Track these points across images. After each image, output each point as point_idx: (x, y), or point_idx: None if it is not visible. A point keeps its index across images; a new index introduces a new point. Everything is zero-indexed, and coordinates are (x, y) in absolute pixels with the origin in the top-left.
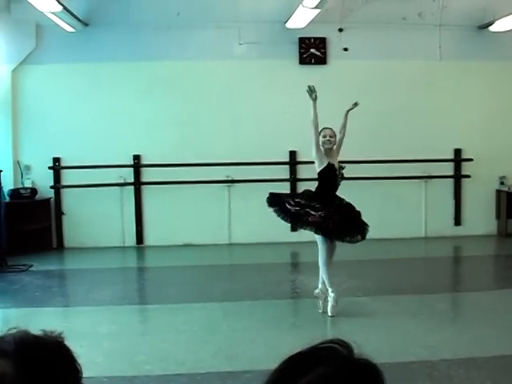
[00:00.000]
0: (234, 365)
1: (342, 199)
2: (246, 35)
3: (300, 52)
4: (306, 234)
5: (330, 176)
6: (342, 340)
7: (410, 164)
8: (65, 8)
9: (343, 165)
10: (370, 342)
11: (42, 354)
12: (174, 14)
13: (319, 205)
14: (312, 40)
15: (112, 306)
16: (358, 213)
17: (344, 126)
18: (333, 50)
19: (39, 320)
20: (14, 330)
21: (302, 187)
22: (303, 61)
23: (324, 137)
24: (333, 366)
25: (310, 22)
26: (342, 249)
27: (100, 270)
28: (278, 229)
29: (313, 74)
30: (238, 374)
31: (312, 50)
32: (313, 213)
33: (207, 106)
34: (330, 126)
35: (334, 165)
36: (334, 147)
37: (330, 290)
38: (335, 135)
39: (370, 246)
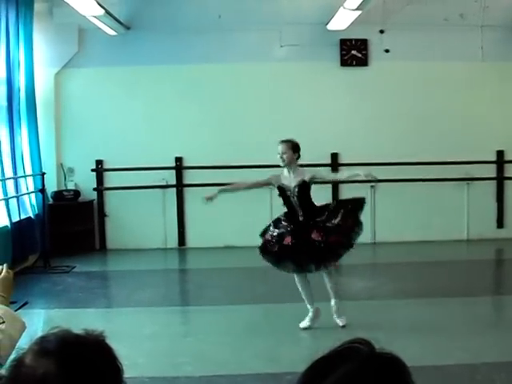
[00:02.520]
0: (274, 367)
1: (326, 210)
2: (287, 37)
3: (341, 54)
4: None
5: (284, 197)
6: (361, 338)
7: (452, 166)
8: (107, 12)
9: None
10: (412, 344)
11: (84, 353)
12: (216, 17)
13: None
14: (353, 41)
15: (154, 308)
16: (338, 227)
17: (328, 180)
18: (374, 51)
19: (82, 321)
20: (56, 330)
21: (342, 189)
22: (344, 63)
23: (278, 153)
24: (357, 363)
25: (351, 24)
26: (383, 252)
27: (142, 271)
28: None
29: (354, 75)
30: (279, 376)
31: (353, 52)
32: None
33: (248, 108)
34: (285, 139)
35: (283, 185)
36: (293, 165)
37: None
38: (288, 150)
39: (412, 249)
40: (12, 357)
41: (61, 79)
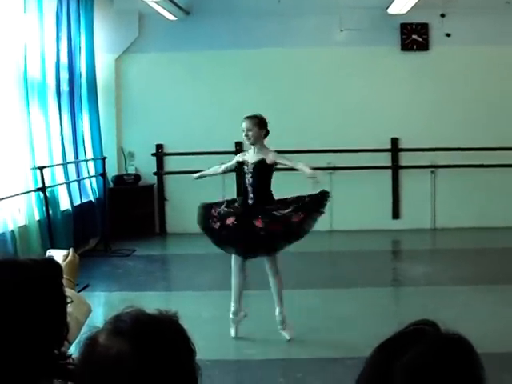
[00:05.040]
0: (335, 351)
1: (282, 202)
2: (347, 22)
3: (402, 38)
4: (407, 222)
5: (241, 175)
6: (426, 319)
7: None
8: None
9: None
10: (473, 331)
11: (158, 333)
12: (275, 1)
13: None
14: (414, 26)
15: (213, 292)
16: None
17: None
18: (435, 35)
19: (143, 304)
20: (130, 309)
21: (403, 175)
22: (405, 47)
23: (242, 130)
24: (425, 344)
25: (412, 8)
26: (443, 237)
27: (201, 255)
28: (379, 216)
29: (414, 60)
30: (341, 361)
31: (414, 36)
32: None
33: (308, 93)
34: (251, 115)
35: (243, 160)
36: (259, 143)
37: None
38: (254, 127)
39: (472, 235)
40: (85, 336)
41: (121, 64)
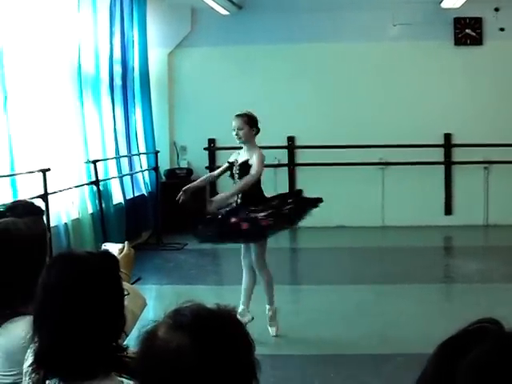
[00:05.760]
0: (386, 347)
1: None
2: (400, 16)
3: (455, 33)
4: (460, 218)
5: (231, 176)
6: (490, 318)
7: None
8: None
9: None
10: None
11: (218, 327)
12: None
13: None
14: (467, 20)
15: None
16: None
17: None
18: (488, 30)
19: (194, 297)
20: (189, 303)
21: (456, 170)
22: (458, 42)
23: (233, 129)
24: (489, 343)
25: (466, 2)
26: (496, 234)
27: None
28: (431, 212)
29: (468, 54)
30: (390, 357)
31: (467, 31)
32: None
33: (360, 88)
34: (241, 113)
35: (234, 161)
36: (251, 142)
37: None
38: (245, 125)
39: None
40: (144, 329)
41: (174, 59)
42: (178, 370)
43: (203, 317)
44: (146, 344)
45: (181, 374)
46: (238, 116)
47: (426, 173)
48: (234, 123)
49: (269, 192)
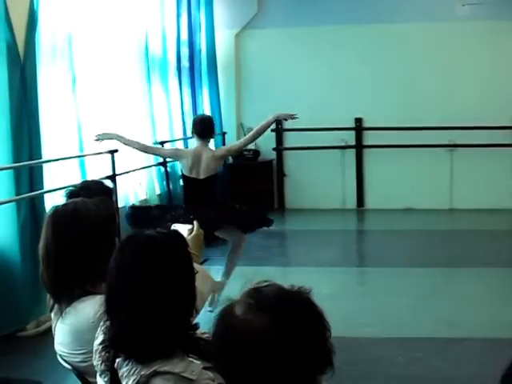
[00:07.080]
0: (453, 331)
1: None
2: None
3: None
4: None
5: None
6: None
7: None
8: None
9: None
10: None
11: (298, 309)
12: None
13: None
14: None
15: (332, 268)
16: None
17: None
18: None
19: (262, 278)
20: (267, 283)
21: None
22: None
23: None
24: None
25: None
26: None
27: (320, 231)
28: (500, 195)
29: None
30: (457, 341)
31: None
32: None
33: (428, 69)
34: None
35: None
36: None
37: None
38: None
39: None
40: (220, 308)
41: (240, 40)
42: (258, 350)
43: (285, 298)
44: (222, 322)
45: (260, 355)
46: None
47: (496, 155)
48: None
49: (335, 173)
